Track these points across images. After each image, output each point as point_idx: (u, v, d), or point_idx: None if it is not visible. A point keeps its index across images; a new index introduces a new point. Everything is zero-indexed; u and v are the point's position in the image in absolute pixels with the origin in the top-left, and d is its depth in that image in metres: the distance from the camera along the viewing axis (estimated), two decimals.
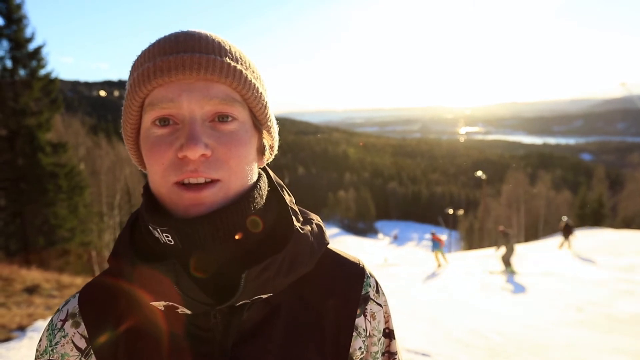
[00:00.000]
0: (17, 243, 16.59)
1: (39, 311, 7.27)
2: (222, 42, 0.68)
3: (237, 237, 0.67)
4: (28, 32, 16.41)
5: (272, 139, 0.78)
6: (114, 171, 28.60)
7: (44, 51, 16.69)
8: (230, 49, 0.69)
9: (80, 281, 10.55)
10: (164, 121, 0.65)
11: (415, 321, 7.85)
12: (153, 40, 0.70)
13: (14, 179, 16.28)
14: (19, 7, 16.10)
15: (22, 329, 6.31)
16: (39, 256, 15.83)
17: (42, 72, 16.72)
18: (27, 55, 16.33)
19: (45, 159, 16.34)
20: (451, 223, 52.87)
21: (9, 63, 16.10)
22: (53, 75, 17.07)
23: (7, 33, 16.00)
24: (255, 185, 0.71)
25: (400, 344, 6.34)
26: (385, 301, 0.82)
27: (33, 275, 10.36)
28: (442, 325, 7.40)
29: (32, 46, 16.48)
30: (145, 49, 0.69)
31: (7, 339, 5.91)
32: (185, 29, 0.69)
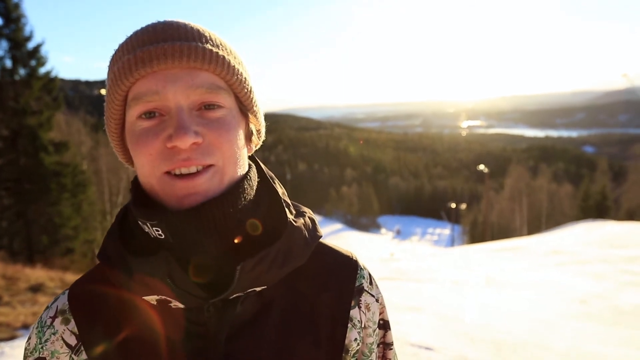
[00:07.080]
0: (21, 242, 16.67)
1: (43, 310, 7.31)
2: (201, 30, 0.67)
3: (232, 239, 0.66)
4: (27, 31, 16.43)
5: (259, 123, 0.77)
6: (117, 169, 28.67)
7: (43, 49, 16.74)
8: (210, 36, 0.68)
9: None
10: (149, 114, 0.64)
11: (420, 316, 7.84)
12: (129, 33, 0.68)
13: (17, 178, 16.34)
14: (17, 6, 16.11)
15: (26, 327, 6.36)
16: (43, 255, 15.94)
17: (42, 70, 16.74)
18: (26, 54, 16.34)
19: (47, 158, 16.38)
20: (454, 217, 52.80)
21: (8, 62, 16.13)
22: (53, 74, 17.08)
23: (6, 32, 16.01)
24: (246, 176, 0.70)
25: (405, 338, 6.29)
26: (379, 293, 0.81)
27: (37, 274, 10.42)
28: (448, 320, 7.39)
29: (31, 45, 16.50)
30: (123, 42, 0.67)
31: (12, 338, 5.95)
32: (162, 20, 0.68)
